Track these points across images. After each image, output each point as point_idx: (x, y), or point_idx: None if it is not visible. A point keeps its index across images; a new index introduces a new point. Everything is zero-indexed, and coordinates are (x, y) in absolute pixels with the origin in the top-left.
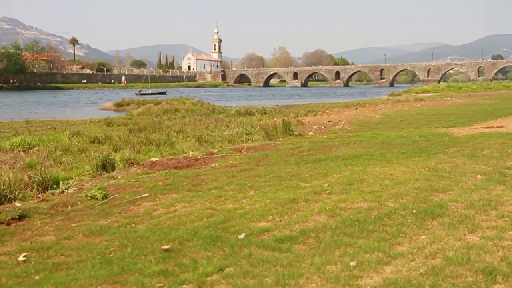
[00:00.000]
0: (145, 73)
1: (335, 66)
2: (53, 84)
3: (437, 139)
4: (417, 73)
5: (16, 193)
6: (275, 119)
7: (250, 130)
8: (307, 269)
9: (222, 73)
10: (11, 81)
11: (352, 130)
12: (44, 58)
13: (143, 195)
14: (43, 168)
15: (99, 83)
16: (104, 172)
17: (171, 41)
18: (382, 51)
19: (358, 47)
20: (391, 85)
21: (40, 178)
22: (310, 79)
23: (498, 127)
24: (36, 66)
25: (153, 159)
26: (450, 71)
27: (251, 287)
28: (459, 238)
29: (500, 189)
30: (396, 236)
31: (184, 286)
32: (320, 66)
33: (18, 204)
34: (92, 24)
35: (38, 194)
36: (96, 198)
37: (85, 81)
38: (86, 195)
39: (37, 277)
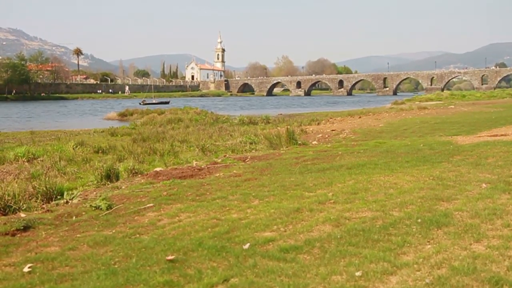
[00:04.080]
0: (148, 83)
1: (338, 75)
2: (57, 95)
3: (441, 148)
4: (420, 81)
5: (21, 203)
6: (278, 128)
7: (253, 139)
8: (312, 279)
9: (226, 82)
10: (13, 92)
11: (355, 139)
12: (48, 68)
13: (148, 205)
14: (47, 179)
15: (103, 93)
16: (108, 182)
17: (175, 50)
18: (385, 60)
19: (361, 56)
20: (395, 93)
21: (44, 188)
22: (313, 88)
23: (502, 135)
24: (41, 76)
25: (157, 169)
26: (454, 79)
27: None
28: (465, 248)
29: (505, 198)
30: (401, 245)
31: None
32: (323, 75)
33: (22, 214)
34: (95, 34)
35: (43, 204)
36: (101, 209)
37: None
38: (90, 205)
39: None
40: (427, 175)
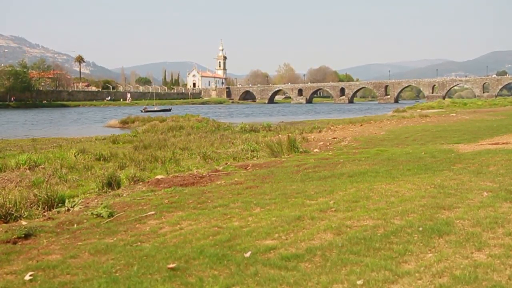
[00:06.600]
0: (150, 90)
1: (340, 83)
2: (58, 102)
3: (442, 156)
4: (422, 89)
5: (22, 211)
6: (280, 135)
7: (255, 147)
8: None
9: (227, 90)
10: (12, 99)
11: (357, 146)
12: (50, 76)
13: (149, 213)
14: (48, 186)
15: (105, 100)
16: (109, 190)
17: (176, 58)
18: (387, 68)
19: (363, 64)
20: (396, 101)
21: (45, 196)
22: (314, 95)
23: (504, 143)
24: (42, 84)
25: (159, 177)
26: (455, 87)
27: None
28: (466, 256)
29: (507, 206)
30: (403, 254)
31: None
32: (325, 82)
33: (24, 222)
34: (97, 42)
35: (44, 212)
36: (102, 216)
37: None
38: (91, 213)
39: None
40: (428, 183)
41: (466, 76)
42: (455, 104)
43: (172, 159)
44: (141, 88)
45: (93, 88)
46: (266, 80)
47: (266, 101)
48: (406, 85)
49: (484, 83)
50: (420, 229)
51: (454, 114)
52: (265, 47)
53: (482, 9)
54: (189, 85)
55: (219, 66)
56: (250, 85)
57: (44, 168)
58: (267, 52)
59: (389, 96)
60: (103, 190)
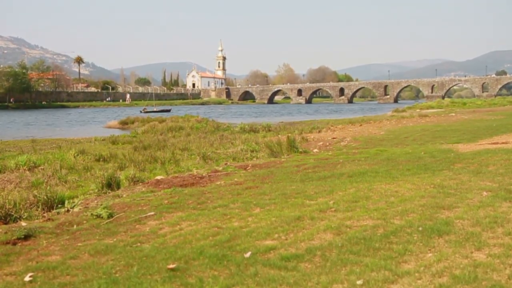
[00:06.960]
0: (149, 91)
1: (339, 83)
2: (58, 103)
3: (442, 156)
4: (421, 89)
5: (22, 212)
6: (279, 136)
7: (254, 147)
8: None
9: (227, 90)
10: (11, 100)
11: (357, 146)
12: (49, 77)
13: (149, 213)
14: (48, 187)
15: (104, 101)
16: (109, 191)
17: (176, 59)
18: (386, 68)
19: (363, 64)
20: (396, 101)
21: (45, 197)
22: (314, 95)
23: (503, 143)
24: (42, 85)
25: (158, 177)
26: (454, 87)
27: None
28: (466, 256)
29: (506, 206)
30: (403, 254)
31: None
32: (324, 82)
33: (23, 223)
34: (97, 43)
35: (44, 213)
36: (102, 217)
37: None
38: (91, 214)
39: None
40: (428, 183)
41: (465, 76)
42: (455, 104)
43: (171, 160)
44: (141, 89)
45: (93, 89)
46: (266, 80)
47: (266, 102)
48: (406, 85)
49: (484, 83)
50: (420, 229)
51: (453, 114)
52: (265, 47)
53: (482, 9)
54: (189, 85)
55: (219, 67)
56: (250, 85)
57: (43, 169)
58: (266, 52)
59: (388, 96)
60: (103, 191)
